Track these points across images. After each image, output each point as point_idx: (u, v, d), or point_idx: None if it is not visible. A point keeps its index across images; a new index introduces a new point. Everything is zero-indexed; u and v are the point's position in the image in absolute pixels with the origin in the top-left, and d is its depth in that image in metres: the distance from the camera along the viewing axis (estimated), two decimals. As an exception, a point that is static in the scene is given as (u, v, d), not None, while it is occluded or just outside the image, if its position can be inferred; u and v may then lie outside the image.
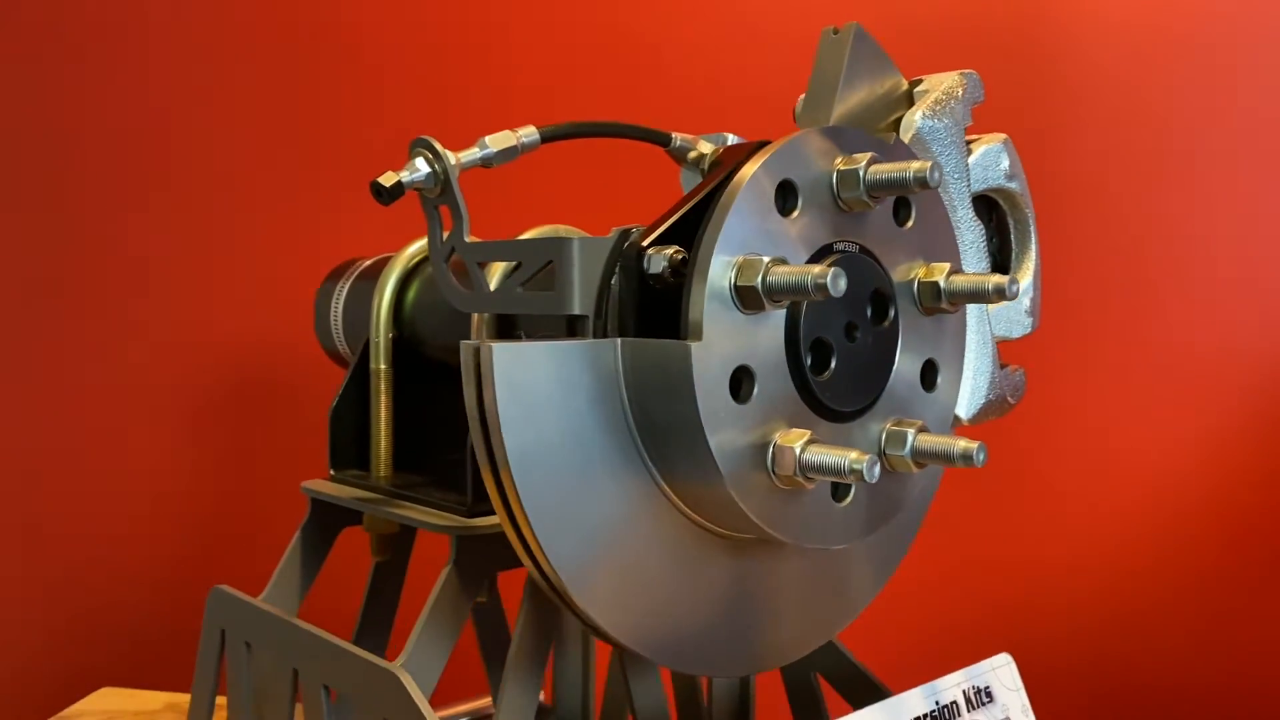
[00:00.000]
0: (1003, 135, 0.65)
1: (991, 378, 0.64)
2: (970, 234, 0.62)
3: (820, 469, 0.49)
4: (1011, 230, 0.67)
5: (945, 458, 0.54)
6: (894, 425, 0.56)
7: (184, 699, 1.08)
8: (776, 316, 0.51)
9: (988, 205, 0.66)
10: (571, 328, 0.55)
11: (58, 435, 1.26)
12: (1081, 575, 1.07)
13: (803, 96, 0.71)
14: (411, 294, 0.79)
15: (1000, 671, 0.63)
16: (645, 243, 0.54)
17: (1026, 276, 0.67)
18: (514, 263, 0.59)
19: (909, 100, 0.63)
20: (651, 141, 0.72)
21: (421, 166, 0.61)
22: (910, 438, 0.55)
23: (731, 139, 0.75)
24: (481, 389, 0.46)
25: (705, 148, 0.74)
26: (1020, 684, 0.64)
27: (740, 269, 0.49)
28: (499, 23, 1.18)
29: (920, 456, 0.55)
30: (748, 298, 0.49)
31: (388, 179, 0.60)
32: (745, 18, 1.13)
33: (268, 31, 1.22)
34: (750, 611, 0.58)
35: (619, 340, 0.50)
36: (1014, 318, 0.66)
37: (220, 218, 1.23)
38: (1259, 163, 1.02)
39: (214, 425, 1.24)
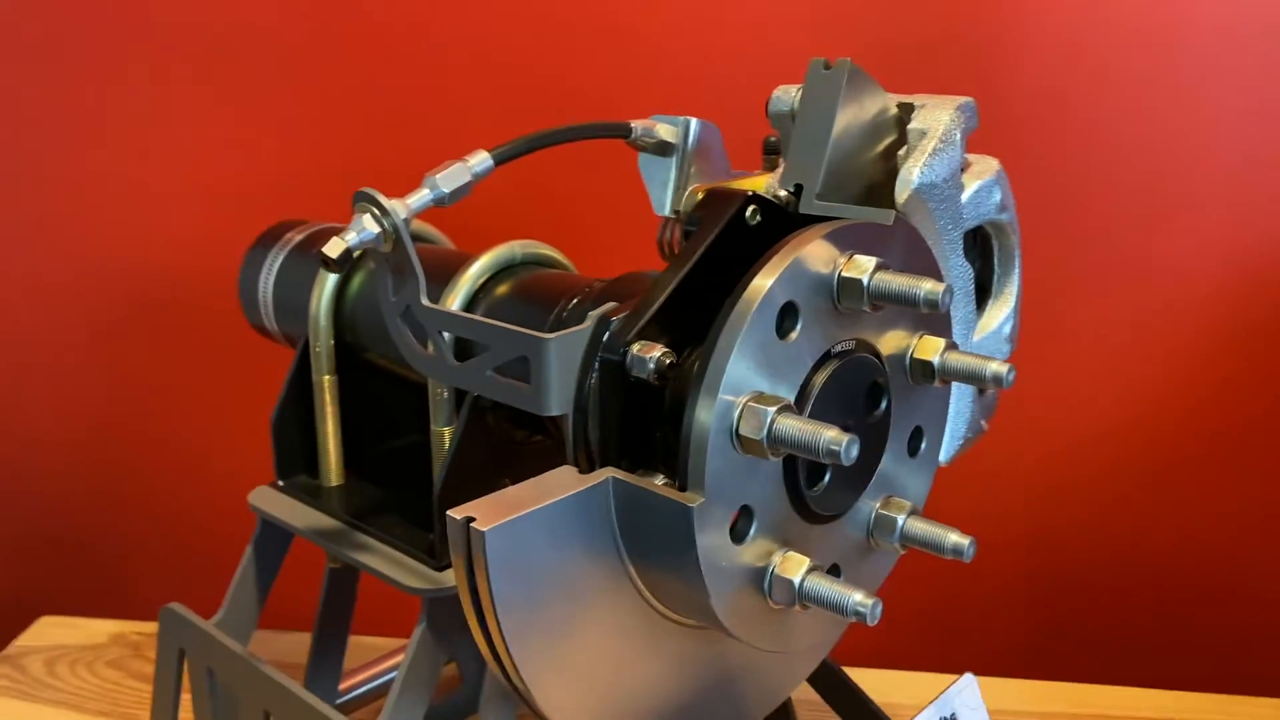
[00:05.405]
0: (995, 164, 0.61)
1: (971, 420, 0.63)
2: (960, 280, 0.60)
3: (820, 601, 0.48)
4: (995, 254, 0.64)
5: (936, 547, 0.54)
6: (882, 508, 0.55)
7: (130, 627, 1.08)
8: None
9: (972, 232, 0.63)
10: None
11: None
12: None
13: (777, 92, 0.66)
14: (355, 288, 0.73)
15: (965, 694, 0.65)
16: (628, 338, 0.50)
17: (1008, 304, 0.64)
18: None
19: (897, 126, 0.59)
20: (610, 136, 0.67)
21: (368, 225, 0.55)
22: (900, 523, 0.55)
23: (693, 124, 0.70)
24: (473, 570, 0.43)
25: (666, 133, 0.69)
26: (982, 702, 0.66)
27: (744, 415, 0.45)
28: None
29: (909, 542, 0.55)
30: (750, 446, 0.46)
31: (333, 248, 0.54)
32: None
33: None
34: (707, 689, 0.56)
35: (610, 479, 0.47)
36: (994, 346, 0.64)
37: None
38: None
39: (137, 340, 1.17)
